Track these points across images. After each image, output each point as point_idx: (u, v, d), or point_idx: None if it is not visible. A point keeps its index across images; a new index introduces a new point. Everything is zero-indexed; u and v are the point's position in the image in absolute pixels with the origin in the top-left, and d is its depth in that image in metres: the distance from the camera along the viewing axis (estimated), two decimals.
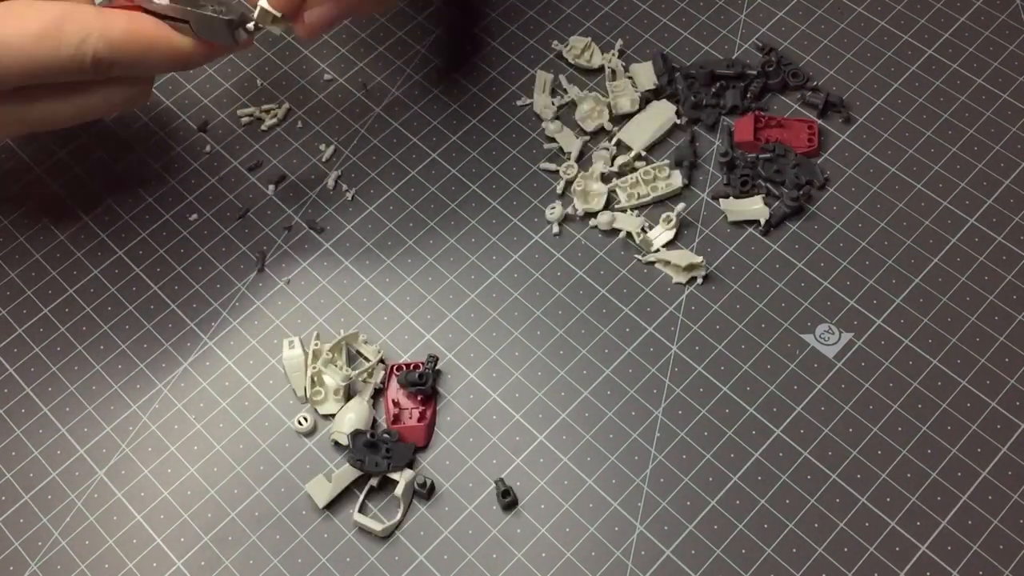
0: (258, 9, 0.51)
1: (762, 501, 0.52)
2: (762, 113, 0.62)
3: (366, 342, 0.56)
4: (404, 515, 0.52)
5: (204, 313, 0.58)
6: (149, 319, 0.58)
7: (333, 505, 0.52)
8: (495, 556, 0.51)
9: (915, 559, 0.50)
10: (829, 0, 0.67)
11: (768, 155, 0.60)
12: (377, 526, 0.51)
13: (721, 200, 0.59)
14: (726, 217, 0.59)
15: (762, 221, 0.58)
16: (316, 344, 0.55)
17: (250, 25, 0.51)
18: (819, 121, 0.62)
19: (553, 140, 0.62)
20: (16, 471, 0.54)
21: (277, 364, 0.56)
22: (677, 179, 0.60)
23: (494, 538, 0.51)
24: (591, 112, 0.62)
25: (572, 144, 0.61)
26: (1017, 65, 0.64)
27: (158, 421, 0.55)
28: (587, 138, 0.62)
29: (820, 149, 0.61)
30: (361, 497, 0.52)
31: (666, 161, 0.60)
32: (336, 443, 0.54)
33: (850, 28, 0.66)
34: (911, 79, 0.64)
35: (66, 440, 0.55)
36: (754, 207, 0.58)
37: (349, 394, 0.55)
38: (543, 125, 0.62)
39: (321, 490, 0.52)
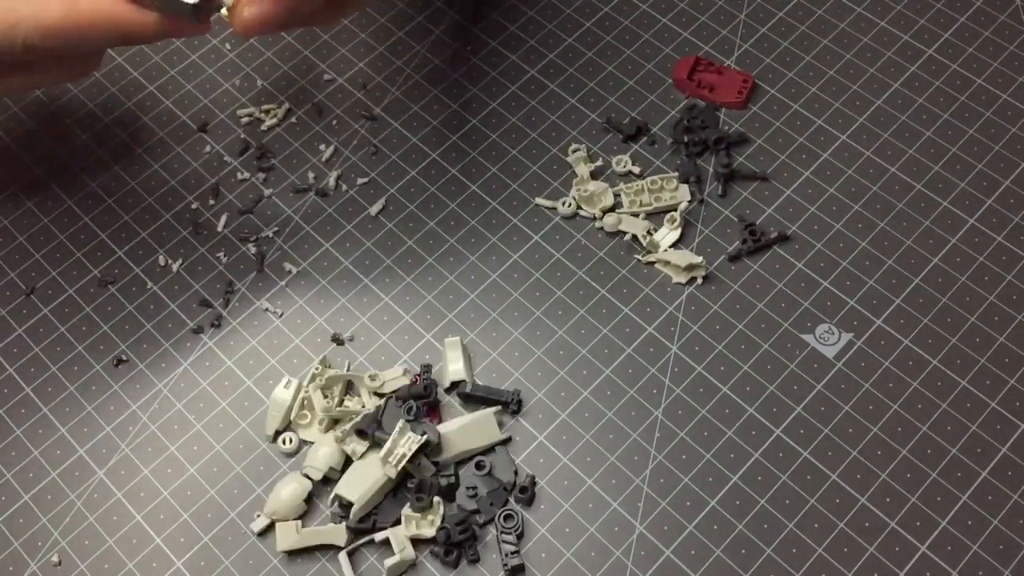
0: None
1: (762, 501, 0.52)
2: (702, 59, 0.63)
3: (372, 378, 0.54)
4: None
5: (204, 313, 0.58)
6: (149, 319, 0.58)
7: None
8: (494, 556, 0.51)
9: (915, 559, 0.50)
10: (829, 1, 0.67)
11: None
12: None
13: None
14: (726, 217, 0.59)
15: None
16: (317, 369, 0.54)
17: (224, 11, 0.49)
18: (754, 77, 0.63)
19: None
20: (16, 471, 0.54)
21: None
22: (684, 192, 0.59)
23: (493, 538, 0.51)
24: None
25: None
26: (1017, 65, 0.64)
27: (158, 421, 0.55)
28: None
29: (750, 104, 0.62)
30: (356, 544, 0.51)
31: (675, 174, 0.60)
32: (307, 476, 0.52)
33: (850, 28, 0.66)
34: (911, 79, 0.64)
35: (66, 440, 0.55)
36: None
37: (330, 427, 0.54)
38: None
39: (287, 535, 0.51)
